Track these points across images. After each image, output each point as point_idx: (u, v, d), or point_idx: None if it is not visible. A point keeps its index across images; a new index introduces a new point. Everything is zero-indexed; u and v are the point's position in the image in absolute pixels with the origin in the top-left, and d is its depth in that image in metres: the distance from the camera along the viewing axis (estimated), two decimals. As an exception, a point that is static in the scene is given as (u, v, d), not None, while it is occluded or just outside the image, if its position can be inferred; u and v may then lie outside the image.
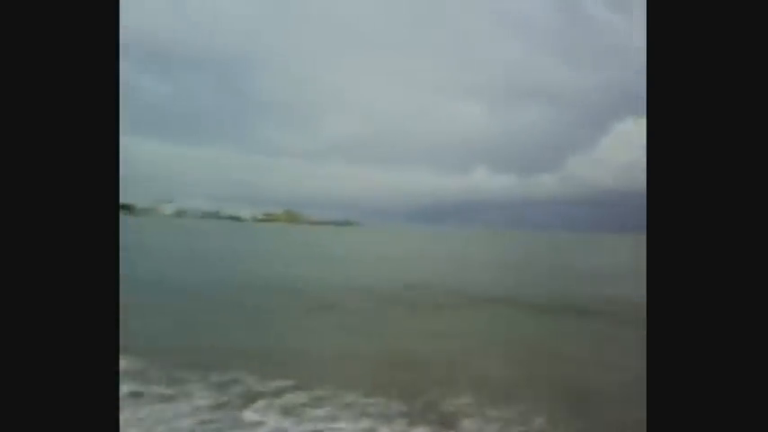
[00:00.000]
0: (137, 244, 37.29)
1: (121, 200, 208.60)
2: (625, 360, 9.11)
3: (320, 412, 6.37)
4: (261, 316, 12.91)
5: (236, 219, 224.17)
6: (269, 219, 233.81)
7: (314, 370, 8.14)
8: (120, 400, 6.43)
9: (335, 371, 8.22)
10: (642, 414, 3.17)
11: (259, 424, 6.00)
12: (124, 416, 5.97)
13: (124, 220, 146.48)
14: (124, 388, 6.84)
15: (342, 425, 6.03)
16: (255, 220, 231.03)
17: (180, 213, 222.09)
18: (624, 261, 43.12)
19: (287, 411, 6.38)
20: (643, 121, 3.06)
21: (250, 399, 6.69)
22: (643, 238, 3.55)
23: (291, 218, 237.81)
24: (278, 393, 6.92)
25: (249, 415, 6.24)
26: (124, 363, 7.94)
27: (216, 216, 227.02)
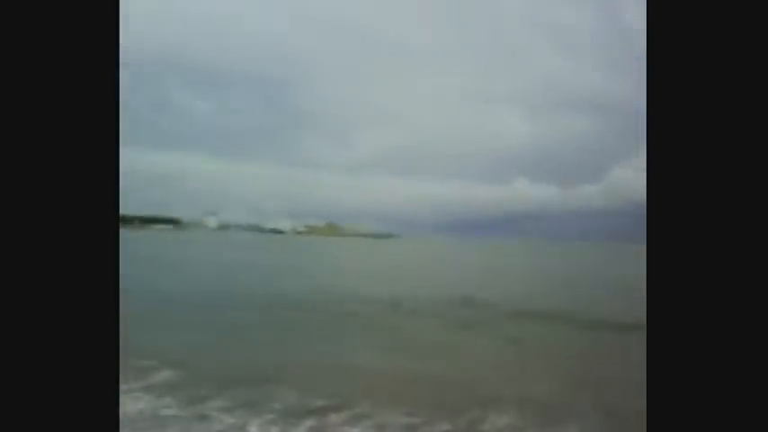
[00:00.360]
0: (184, 257, 38.28)
1: (168, 214, 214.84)
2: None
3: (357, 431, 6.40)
4: (308, 332, 13.02)
5: (278, 231, 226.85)
6: (310, 231, 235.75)
7: (356, 387, 8.18)
8: (165, 409, 6.65)
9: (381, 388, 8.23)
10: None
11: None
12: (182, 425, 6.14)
13: (172, 233, 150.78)
14: (167, 400, 7.06)
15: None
16: (296, 232, 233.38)
17: (224, 226, 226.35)
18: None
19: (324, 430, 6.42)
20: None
21: (290, 416, 6.76)
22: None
23: (333, 230, 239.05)
24: (319, 411, 6.98)
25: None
26: (168, 374, 8.22)
27: (258, 229, 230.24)
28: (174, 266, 35.38)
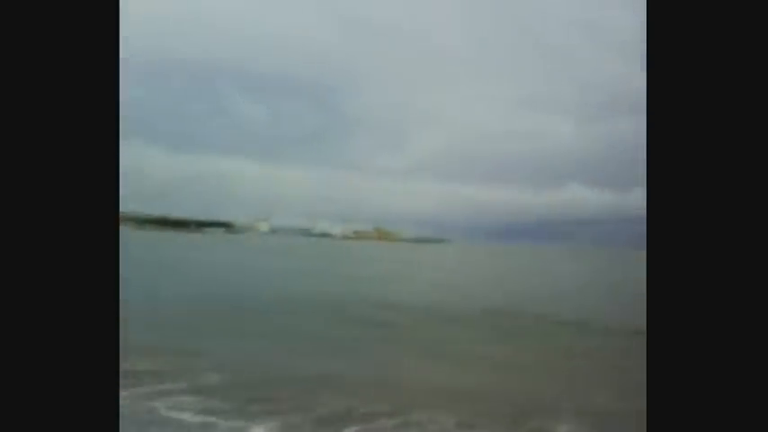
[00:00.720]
0: (239, 262, 39.16)
1: (221, 218, 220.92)
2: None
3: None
4: (354, 339, 13.03)
5: (328, 235, 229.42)
6: (359, 236, 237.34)
7: (406, 395, 8.11)
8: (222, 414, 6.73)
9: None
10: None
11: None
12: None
13: (226, 237, 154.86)
14: (214, 402, 7.15)
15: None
16: (346, 237, 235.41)
17: (275, 230, 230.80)
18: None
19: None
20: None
21: (341, 422, 6.75)
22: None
23: (382, 235, 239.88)
24: (372, 418, 6.95)
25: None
26: (217, 378, 8.35)
27: (308, 233, 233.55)
28: (228, 270, 36.25)
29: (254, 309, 17.32)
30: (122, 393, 7.50)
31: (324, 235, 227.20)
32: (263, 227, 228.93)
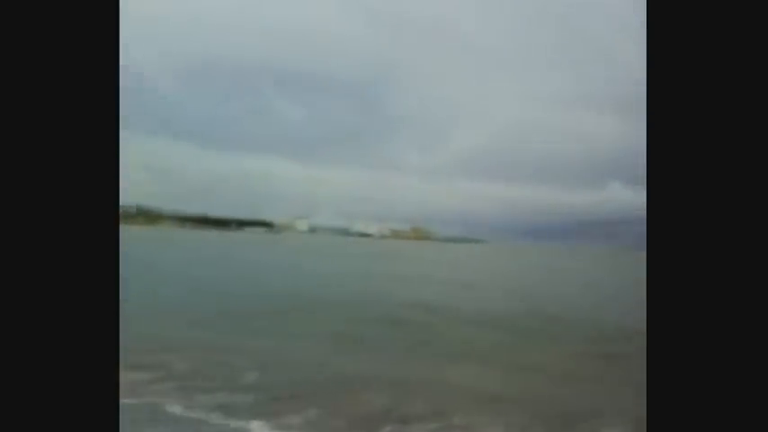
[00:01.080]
0: (279, 261, 39.68)
1: (261, 217, 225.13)
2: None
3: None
4: (394, 341, 12.98)
5: (365, 235, 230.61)
6: (396, 235, 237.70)
7: (448, 399, 8.01)
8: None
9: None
10: None
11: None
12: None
13: (265, 236, 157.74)
14: (249, 398, 7.18)
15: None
16: (383, 236, 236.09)
17: (313, 229, 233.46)
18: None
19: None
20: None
21: (379, 422, 6.70)
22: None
23: (419, 234, 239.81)
24: (412, 419, 6.87)
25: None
26: (254, 376, 8.42)
27: (345, 232, 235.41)
28: (270, 269, 36.81)
29: (298, 308, 17.43)
30: (157, 388, 7.65)
31: (361, 234, 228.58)
32: (302, 226, 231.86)
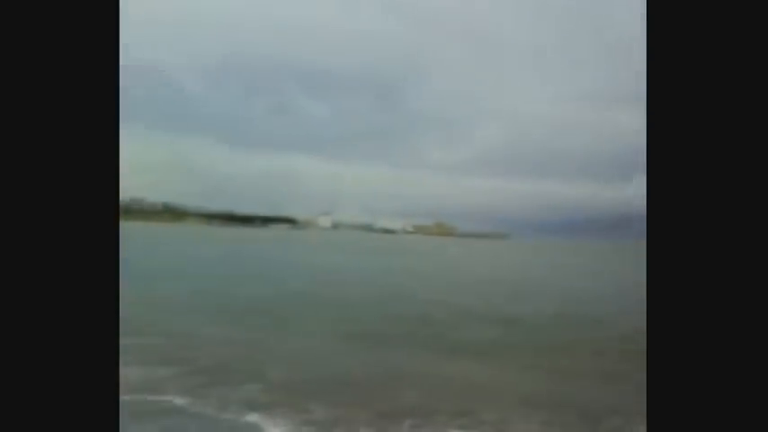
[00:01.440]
0: (303, 258, 39.82)
1: (284, 213, 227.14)
2: None
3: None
4: (420, 341, 12.89)
5: (388, 231, 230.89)
6: (419, 231, 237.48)
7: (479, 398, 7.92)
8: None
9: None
10: None
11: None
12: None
13: (288, 232, 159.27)
14: (276, 395, 7.15)
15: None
16: (406, 231, 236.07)
17: (336, 225, 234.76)
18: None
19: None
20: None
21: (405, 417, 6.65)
22: None
23: (442, 230, 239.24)
24: (436, 415, 6.80)
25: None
26: (279, 375, 8.41)
27: (369, 228, 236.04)
28: (295, 266, 37.06)
29: (330, 304, 17.47)
30: (183, 382, 7.70)
31: (385, 230, 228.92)
32: (326, 222, 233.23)
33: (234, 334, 11.88)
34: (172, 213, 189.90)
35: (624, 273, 42.62)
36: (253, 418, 6.61)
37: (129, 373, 7.71)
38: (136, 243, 45.83)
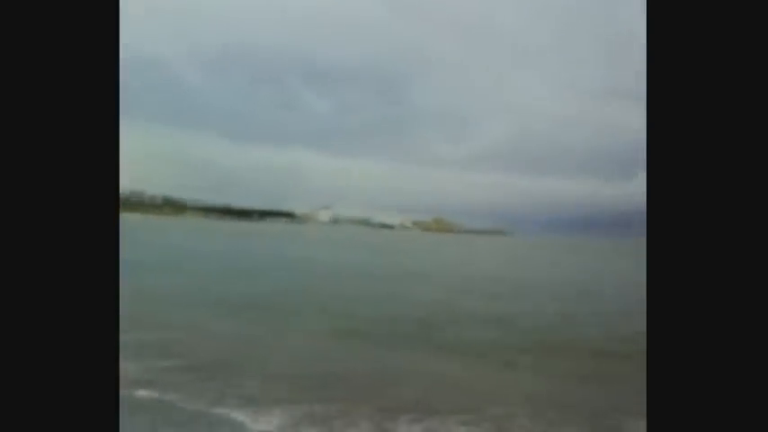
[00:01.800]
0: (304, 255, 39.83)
1: (284, 207, 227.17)
2: None
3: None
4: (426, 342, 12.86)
5: (387, 226, 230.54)
6: (418, 226, 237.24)
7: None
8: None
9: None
10: None
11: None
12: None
13: (285, 227, 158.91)
14: (282, 393, 7.13)
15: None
16: (404, 227, 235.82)
17: (335, 220, 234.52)
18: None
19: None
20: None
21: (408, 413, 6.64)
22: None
23: (441, 226, 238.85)
24: (443, 412, 6.76)
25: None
26: (280, 368, 8.36)
27: (367, 223, 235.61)
28: (294, 262, 37.06)
29: (332, 302, 17.40)
30: (181, 379, 7.67)
31: (383, 225, 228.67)
32: (324, 217, 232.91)
33: (226, 331, 11.88)
34: (172, 207, 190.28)
35: (624, 273, 42.67)
36: (243, 414, 6.57)
37: (122, 367, 7.69)
38: (135, 234, 45.80)
